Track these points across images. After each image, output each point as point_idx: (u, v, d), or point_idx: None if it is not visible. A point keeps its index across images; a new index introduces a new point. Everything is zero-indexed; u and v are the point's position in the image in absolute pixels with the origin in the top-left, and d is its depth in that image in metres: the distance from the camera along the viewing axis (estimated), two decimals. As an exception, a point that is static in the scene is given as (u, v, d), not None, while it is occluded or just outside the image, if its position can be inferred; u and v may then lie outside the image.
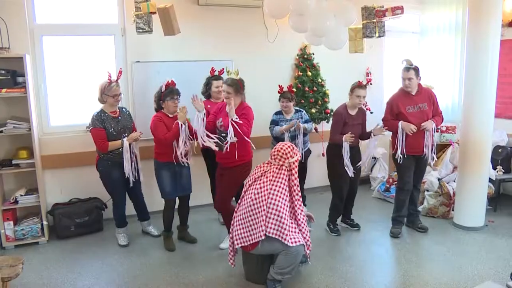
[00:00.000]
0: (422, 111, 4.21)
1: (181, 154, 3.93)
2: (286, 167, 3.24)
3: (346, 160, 4.23)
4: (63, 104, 4.65)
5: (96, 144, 3.96)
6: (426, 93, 4.28)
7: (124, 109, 4.22)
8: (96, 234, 4.54)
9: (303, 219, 3.33)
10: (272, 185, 3.20)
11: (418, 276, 3.57)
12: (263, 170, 3.35)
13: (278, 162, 3.26)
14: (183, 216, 4.31)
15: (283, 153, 3.24)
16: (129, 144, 4.02)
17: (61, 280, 3.56)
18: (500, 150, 5.25)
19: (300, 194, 3.32)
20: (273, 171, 3.26)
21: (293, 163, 3.25)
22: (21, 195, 4.19)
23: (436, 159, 4.53)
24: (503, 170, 5.15)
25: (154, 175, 4.12)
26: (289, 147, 3.28)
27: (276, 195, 3.15)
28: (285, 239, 3.11)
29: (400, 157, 4.23)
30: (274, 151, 3.30)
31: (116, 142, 3.98)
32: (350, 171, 4.25)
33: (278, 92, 4.75)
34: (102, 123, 3.94)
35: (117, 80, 3.99)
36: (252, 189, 3.26)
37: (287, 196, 3.23)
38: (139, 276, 3.62)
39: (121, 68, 4.24)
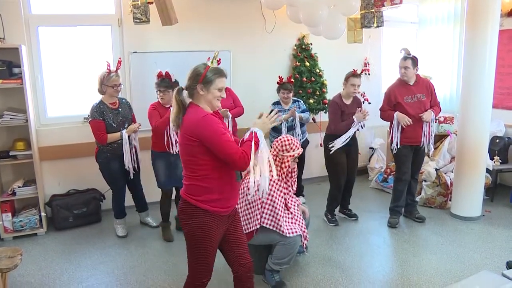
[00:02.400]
0: (420, 101, 4.21)
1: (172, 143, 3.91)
2: (280, 158, 3.23)
3: (343, 140, 4.19)
4: (60, 95, 4.62)
5: (95, 136, 3.94)
6: (424, 84, 4.28)
7: (123, 100, 4.19)
8: (94, 225, 4.54)
9: (296, 211, 3.33)
10: None
11: (416, 265, 3.60)
12: None
13: (273, 152, 3.25)
14: None
15: (279, 145, 3.23)
16: (128, 136, 4.01)
17: (59, 271, 3.57)
18: (497, 140, 5.26)
19: (290, 187, 3.32)
20: None
21: (286, 157, 3.20)
22: (19, 187, 4.17)
23: (434, 149, 4.55)
24: (500, 161, 5.16)
25: (152, 166, 4.12)
26: (288, 140, 3.23)
27: (271, 185, 3.14)
28: (281, 230, 3.12)
29: (395, 148, 4.25)
30: (275, 141, 3.30)
31: (115, 134, 3.97)
32: (336, 146, 4.22)
33: (278, 83, 4.73)
34: (101, 115, 3.91)
35: (116, 70, 3.97)
36: (249, 177, 3.26)
37: (281, 187, 3.23)
38: (137, 267, 3.63)
39: (120, 58, 4.21)
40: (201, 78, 2.30)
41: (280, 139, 3.25)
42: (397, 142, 4.24)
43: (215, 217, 2.37)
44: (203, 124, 2.24)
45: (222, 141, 2.24)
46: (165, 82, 3.94)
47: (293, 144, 3.22)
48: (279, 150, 3.22)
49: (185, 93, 2.37)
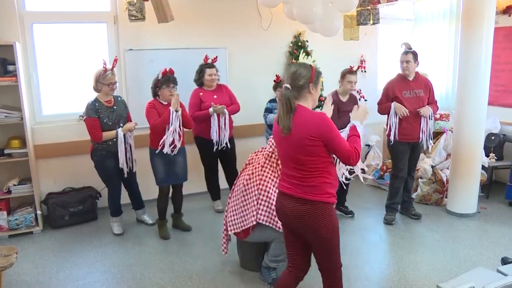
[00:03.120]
0: (418, 97, 4.22)
1: (166, 142, 3.90)
2: (275, 155, 3.22)
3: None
4: (55, 92, 4.60)
5: (90, 134, 3.93)
6: (422, 80, 4.30)
7: (119, 98, 4.18)
8: (91, 223, 4.53)
9: None
10: (263, 171, 3.18)
11: (411, 262, 3.61)
12: (256, 156, 3.36)
13: (269, 149, 3.25)
14: (177, 204, 4.32)
15: (274, 143, 3.23)
16: (124, 135, 4.00)
17: (55, 269, 3.56)
18: (493, 137, 5.28)
19: None
20: (264, 157, 3.25)
21: None
22: (14, 185, 4.15)
23: (432, 144, 4.56)
24: (495, 157, 5.18)
25: (149, 164, 4.11)
26: None
27: (266, 181, 3.14)
28: (278, 226, 3.12)
29: (392, 140, 4.25)
30: (270, 138, 3.29)
31: (110, 133, 3.95)
32: None
33: (275, 81, 4.72)
34: (96, 113, 3.90)
35: (112, 68, 3.95)
36: (244, 174, 3.27)
37: (277, 183, 3.22)
38: (134, 265, 3.63)
39: (116, 56, 4.20)
40: (312, 77, 2.32)
41: None
42: (394, 133, 4.24)
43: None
44: (325, 124, 2.25)
45: (340, 140, 2.29)
46: (173, 78, 3.98)
47: None
48: (275, 148, 3.21)
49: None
